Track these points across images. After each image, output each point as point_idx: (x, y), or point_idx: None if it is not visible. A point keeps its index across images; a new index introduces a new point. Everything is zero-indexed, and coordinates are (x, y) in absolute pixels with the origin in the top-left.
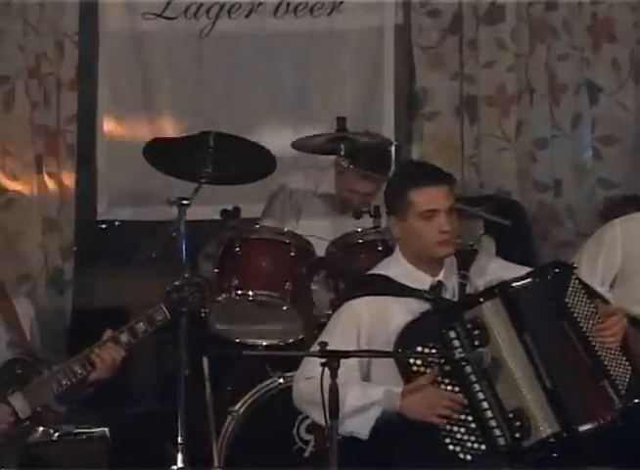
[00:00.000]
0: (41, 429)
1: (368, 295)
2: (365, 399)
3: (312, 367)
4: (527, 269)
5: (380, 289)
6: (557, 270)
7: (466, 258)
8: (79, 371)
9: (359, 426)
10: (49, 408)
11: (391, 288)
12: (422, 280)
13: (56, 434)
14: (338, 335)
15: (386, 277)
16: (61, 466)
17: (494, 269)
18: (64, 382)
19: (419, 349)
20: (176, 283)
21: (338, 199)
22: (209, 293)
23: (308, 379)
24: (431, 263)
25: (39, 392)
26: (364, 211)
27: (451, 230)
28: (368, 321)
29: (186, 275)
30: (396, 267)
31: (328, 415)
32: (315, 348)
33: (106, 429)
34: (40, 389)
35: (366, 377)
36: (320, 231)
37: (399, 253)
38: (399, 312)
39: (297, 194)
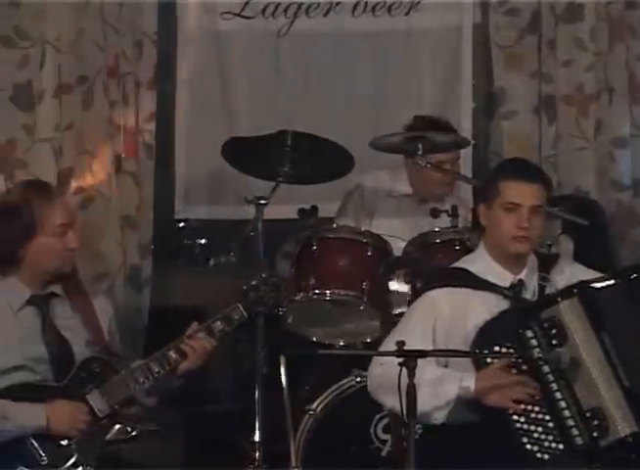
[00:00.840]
0: (119, 427)
1: (448, 286)
2: (440, 380)
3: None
4: None
5: (460, 281)
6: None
7: (548, 261)
8: (157, 369)
9: (435, 411)
10: (138, 402)
11: (471, 281)
12: (503, 277)
13: (133, 432)
14: (413, 326)
15: (467, 271)
16: (138, 464)
17: (575, 274)
18: (141, 380)
19: (496, 348)
20: (253, 282)
21: (413, 198)
22: (286, 292)
23: (382, 364)
24: (512, 260)
25: (117, 390)
26: (442, 210)
27: (530, 228)
28: (447, 313)
29: (263, 275)
30: (479, 262)
31: (405, 415)
32: (390, 339)
33: (183, 427)
34: (118, 387)
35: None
36: (396, 231)
37: (483, 247)
38: (477, 308)
39: (369, 194)
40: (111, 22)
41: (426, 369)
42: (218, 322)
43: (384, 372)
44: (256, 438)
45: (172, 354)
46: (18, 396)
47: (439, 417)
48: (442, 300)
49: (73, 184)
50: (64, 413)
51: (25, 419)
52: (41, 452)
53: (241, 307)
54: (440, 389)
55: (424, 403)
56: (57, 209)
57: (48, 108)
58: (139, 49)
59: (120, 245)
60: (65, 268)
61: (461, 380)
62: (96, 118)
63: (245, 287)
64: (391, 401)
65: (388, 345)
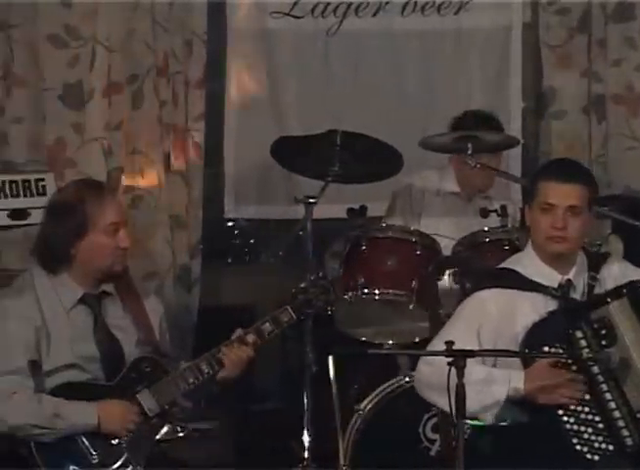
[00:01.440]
0: (168, 426)
1: (496, 287)
2: (488, 381)
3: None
4: None
5: (508, 282)
6: None
7: (597, 260)
8: (207, 370)
9: (483, 411)
10: (176, 404)
11: (520, 282)
12: (551, 277)
13: (182, 432)
14: (460, 325)
15: (515, 271)
16: (187, 463)
17: (624, 273)
18: (191, 380)
19: (545, 348)
20: (302, 285)
21: (460, 196)
22: (335, 293)
23: (429, 363)
24: (558, 260)
25: (167, 390)
26: (491, 210)
27: (567, 229)
28: (495, 314)
29: (312, 277)
30: (527, 262)
31: (454, 415)
32: (438, 338)
33: (232, 425)
34: (168, 387)
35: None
36: (444, 230)
37: (531, 248)
38: (526, 308)
39: (417, 193)
40: (161, 21)
41: (473, 369)
42: (267, 324)
43: (431, 371)
44: (305, 437)
45: (222, 356)
46: (69, 394)
47: (488, 417)
48: (491, 300)
49: (123, 183)
50: (114, 412)
51: (77, 418)
52: (92, 451)
53: (290, 310)
54: (489, 389)
55: (472, 403)
56: (108, 207)
57: (98, 107)
58: (189, 48)
59: (170, 244)
60: (116, 267)
61: (510, 381)
62: (145, 118)
63: (294, 289)
64: (439, 400)
65: (436, 344)
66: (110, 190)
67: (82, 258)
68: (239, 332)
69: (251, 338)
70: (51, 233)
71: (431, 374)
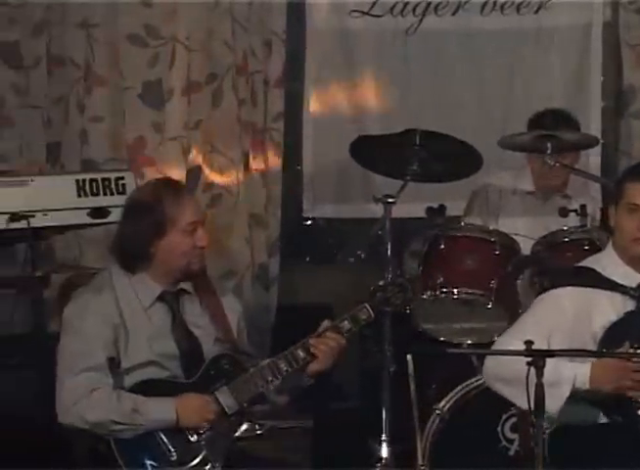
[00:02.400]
0: (247, 424)
1: (573, 285)
2: (555, 372)
3: (502, 346)
4: None
5: (585, 281)
6: None
7: None
8: (285, 368)
9: (550, 401)
10: (267, 400)
11: (598, 281)
12: (631, 277)
13: (261, 430)
14: (531, 322)
15: (593, 270)
16: (265, 461)
17: None
18: (269, 378)
19: (623, 349)
20: (380, 283)
21: (536, 195)
22: (414, 291)
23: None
24: (639, 261)
25: (245, 388)
26: (570, 209)
27: None
28: (570, 312)
29: (390, 276)
30: (606, 262)
31: (533, 414)
32: (508, 334)
33: (310, 424)
34: (246, 385)
35: None
36: (522, 229)
37: (611, 248)
38: (604, 308)
39: (494, 193)
40: (240, 21)
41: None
42: (346, 322)
43: (495, 363)
44: (383, 436)
45: (300, 353)
46: (148, 391)
47: (553, 412)
48: (566, 298)
49: (202, 182)
50: (193, 406)
51: (156, 413)
52: (170, 448)
53: (368, 308)
54: (555, 389)
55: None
56: (187, 207)
57: (177, 106)
58: (268, 48)
59: (248, 243)
60: (193, 266)
61: (573, 383)
62: (224, 117)
63: (372, 287)
64: (504, 390)
65: (506, 340)
66: (188, 189)
67: (161, 258)
68: (326, 323)
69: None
70: (130, 232)
71: (495, 366)
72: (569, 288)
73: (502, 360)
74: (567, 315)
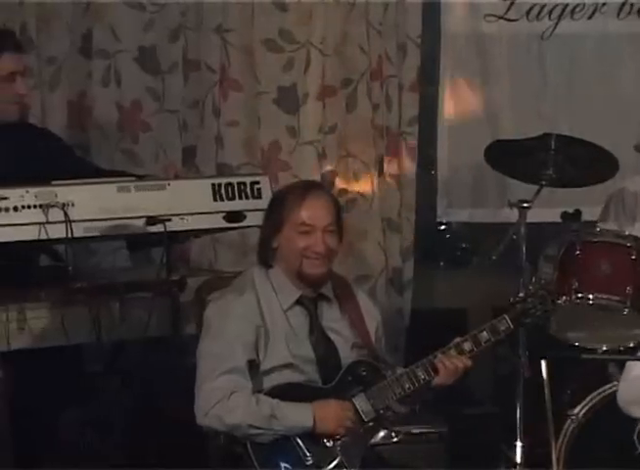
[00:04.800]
0: (383, 431)
1: None
2: None
3: (633, 369)
4: None
5: None
6: None
7: None
8: (422, 377)
9: None
10: (390, 409)
11: None
12: None
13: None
14: None
15: None
16: (401, 467)
17: None
18: (407, 386)
19: None
20: (520, 294)
21: None
22: (553, 304)
23: (624, 378)
24: None
25: (382, 394)
26: None
27: None
28: None
29: (530, 286)
30: None
31: None
32: None
33: (445, 429)
34: (383, 391)
35: None
36: None
37: None
38: None
39: (630, 197)
40: (375, 25)
41: None
42: (484, 332)
43: (626, 386)
44: (518, 442)
45: (438, 363)
46: (286, 395)
47: None
48: None
49: (336, 187)
50: (331, 412)
51: (293, 419)
52: (306, 452)
53: (507, 319)
54: None
55: None
56: (306, 208)
57: (312, 110)
58: (403, 52)
59: (382, 247)
60: (309, 269)
61: None
62: (359, 121)
63: (511, 299)
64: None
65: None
66: (320, 193)
67: (282, 254)
68: (457, 340)
69: (467, 346)
70: (262, 227)
71: (626, 389)
72: None
73: (630, 383)
74: None
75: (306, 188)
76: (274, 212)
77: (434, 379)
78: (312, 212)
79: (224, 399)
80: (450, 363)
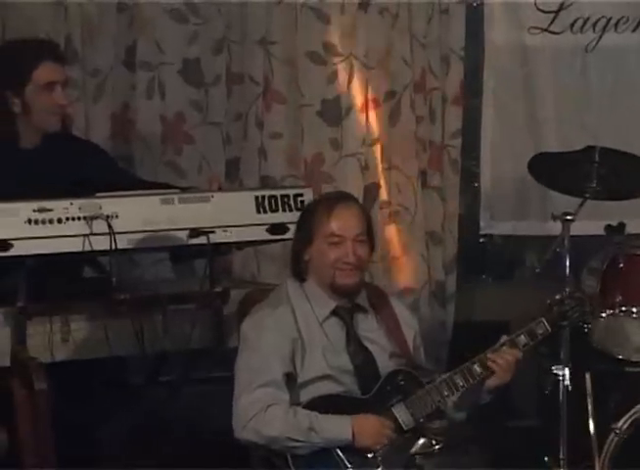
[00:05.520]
0: (423, 440)
1: None
2: None
3: None
4: None
5: None
6: None
7: None
8: (461, 383)
9: None
10: (446, 416)
11: None
12: None
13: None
14: None
15: None
16: None
17: None
18: (446, 393)
19: None
20: (557, 297)
21: None
22: (591, 308)
23: None
24: None
25: (422, 403)
26: None
27: None
28: None
29: (567, 289)
30: None
31: None
32: None
33: (487, 442)
34: (423, 400)
35: None
36: None
37: None
38: None
39: None
40: (418, 37)
41: None
42: (522, 336)
43: None
44: (561, 455)
45: (477, 368)
46: (325, 407)
47: None
48: None
49: (379, 199)
50: (369, 427)
51: (332, 432)
52: (347, 463)
53: (545, 322)
54: None
55: None
56: (336, 219)
57: (355, 123)
58: (446, 64)
59: (425, 260)
60: (341, 280)
61: None
62: (402, 134)
63: (549, 301)
64: None
65: None
66: (351, 204)
67: (313, 266)
68: (504, 338)
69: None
70: (293, 240)
71: None
72: None
73: None
74: None
75: (335, 199)
76: (304, 225)
77: (475, 387)
78: (341, 223)
79: (261, 412)
80: (502, 359)
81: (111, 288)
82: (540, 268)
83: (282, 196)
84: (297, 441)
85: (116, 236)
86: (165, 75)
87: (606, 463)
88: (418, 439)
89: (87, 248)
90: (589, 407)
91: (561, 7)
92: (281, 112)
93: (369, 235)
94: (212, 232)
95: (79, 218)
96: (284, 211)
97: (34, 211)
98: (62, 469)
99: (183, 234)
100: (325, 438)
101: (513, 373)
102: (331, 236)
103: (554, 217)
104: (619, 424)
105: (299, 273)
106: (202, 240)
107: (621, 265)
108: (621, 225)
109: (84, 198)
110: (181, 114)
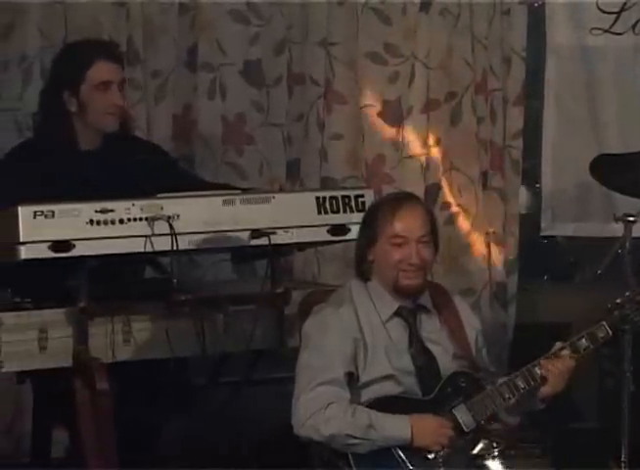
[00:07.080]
0: (483, 442)
1: None
2: None
3: None
4: None
5: None
6: None
7: None
8: (522, 385)
9: None
10: (498, 420)
11: None
12: None
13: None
14: None
15: None
16: None
17: None
18: (506, 396)
19: None
20: (618, 300)
21: None
22: None
23: None
24: None
25: (483, 405)
26: None
27: None
28: None
29: (628, 293)
30: None
31: None
32: None
33: (549, 444)
34: (484, 402)
35: None
36: None
37: None
38: None
39: None
40: (480, 38)
41: None
42: (583, 340)
43: None
44: (623, 457)
45: (538, 371)
46: (385, 407)
47: None
48: None
49: (440, 200)
50: (428, 427)
51: (391, 430)
52: (408, 464)
53: (606, 325)
54: None
55: None
56: (400, 220)
57: (416, 124)
58: (507, 65)
59: (486, 261)
60: (405, 281)
61: None
62: (463, 135)
63: (609, 305)
64: None
65: None
66: (416, 205)
67: (377, 266)
68: (558, 345)
69: (566, 353)
70: (357, 240)
71: None
72: None
73: None
74: None
75: (399, 200)
76: (368, 226)
77: (536, 388)
78: (405, 224)
79: (321, 410)
80: (554, 368)
81: (172, 289)
82: (601, 270)
83: (343, 197)
84: (356, 438)
85: (178, 237)
86: (227, 76)
87: None
88: (479, 440)
89: (148, 248)
90: None
91: (623, 7)
92: (342, 112)
93: (433, 236)
94: (274, 233)
95: (141, 219)
96: (345, 212)
97: (96, 211)
98: (123, 467)
99: (244, 235)
100: (384, 435)
101: (566, 382)
102: (395, 237)
103: (616, 219)
104: None
105: (364, 273)
106: (263, 241)
107: None
108: None
109: (146, 199)
110: (242, 114)
